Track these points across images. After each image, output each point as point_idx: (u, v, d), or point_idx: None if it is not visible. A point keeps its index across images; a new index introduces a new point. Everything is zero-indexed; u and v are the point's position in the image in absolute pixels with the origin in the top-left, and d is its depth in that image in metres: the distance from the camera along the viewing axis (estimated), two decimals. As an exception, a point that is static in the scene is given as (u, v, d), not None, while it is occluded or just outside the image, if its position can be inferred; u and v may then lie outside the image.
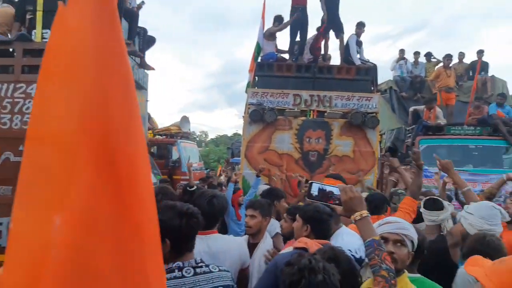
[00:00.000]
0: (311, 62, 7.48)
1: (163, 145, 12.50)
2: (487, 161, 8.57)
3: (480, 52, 11.06)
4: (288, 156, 6.83)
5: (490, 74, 11.18)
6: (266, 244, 2.82)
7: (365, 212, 1.66)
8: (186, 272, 1.80)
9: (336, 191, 1.77)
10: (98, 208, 0.69)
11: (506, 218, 2.68)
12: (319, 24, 7.82)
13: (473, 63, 11.06)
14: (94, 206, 0.69)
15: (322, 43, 7.82)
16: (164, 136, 12.87)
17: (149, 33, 5.77)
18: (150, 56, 5.62)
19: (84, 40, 0.72)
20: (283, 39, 8.10)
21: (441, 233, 2.94)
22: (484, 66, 11.08)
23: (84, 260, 0.68)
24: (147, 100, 6.12)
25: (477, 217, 2.51)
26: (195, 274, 1.81)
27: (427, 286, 2.06)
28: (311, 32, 7.79)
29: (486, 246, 2.17)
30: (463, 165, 8.26)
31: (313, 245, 2.24)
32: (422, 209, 3.06)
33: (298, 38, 7.65)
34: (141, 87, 5.71)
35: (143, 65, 5.68)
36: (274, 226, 3.39)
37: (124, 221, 0.71)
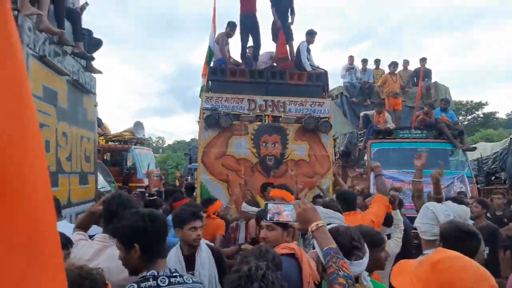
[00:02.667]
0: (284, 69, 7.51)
1: (116, 151, 12.17)
2: (435, 163, 8.99)
3: (423, 60, 11.69)
4: (246, 161, 6.82)
5: (432, 80, 11.84)
6: (203, 254, 2.78)
7: (320, 222, 1.67)
8: (161, 281, 1.75)
9: (289, 208, 1.82)
10: None
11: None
12: (268, 29, 7.93)
13: (417, 70, 11.67)
14: None
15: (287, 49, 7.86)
16: (118, 143, 12.48)
17: (94, 35, 5.55)
18: (96, 59, 5.40)
19: None
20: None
21: None
22: (427, 73, 11.73)
23: None
24: (95, 105, 5.88)
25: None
26: (170, 284, 1.76)
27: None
28: (264, 37, 7.89)
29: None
30: (412, 167, 8.61)
31: (300, 249, 2.22)
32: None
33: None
34: (88, 91, 5.48)
35: (90, 69, 5.45)
36: None
37: (7, 238, 0.63)
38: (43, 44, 4.08)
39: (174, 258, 2.70)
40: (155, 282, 1.73)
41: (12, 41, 0.67)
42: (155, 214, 1.87)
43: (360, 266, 1.70)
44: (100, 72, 5.74)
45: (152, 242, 1.81)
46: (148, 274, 1.75)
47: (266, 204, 1.87)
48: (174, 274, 1.81)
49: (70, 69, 4.82)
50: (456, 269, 1.20)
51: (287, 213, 1.81)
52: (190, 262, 2.71)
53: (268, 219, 1.84)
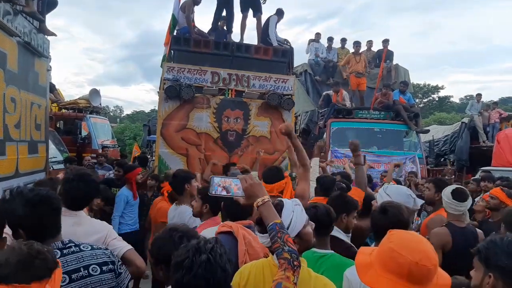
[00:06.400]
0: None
1: (70, 120, 11.69)
2: (390, 143, 9.41)
3: (386, 41, 11.92)
4: (207, 135, 6.74)
5: (394, 62, 12.14)
6: None
7: (266, 197, 1.66)
8: None
9: (236, 182, 1.76)
10: None
11: (417, 206, 2.84)
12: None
13: (379, 52, 11.89)
14: None
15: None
16: (72, 111, 11.92)
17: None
18: (50, 20, 5.00)
19: None
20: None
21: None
22: (389, 55, 11.99)
23: None
24: (48, 69, 5.52)
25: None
26: (62, 255, 1.72)
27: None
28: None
29: None
30: (369, 146, 8.95)
31: (238, 227, 2.23)
32: (449, 200, 2.97)
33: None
34: (41, 54, 5.11)
35: (43, 30, 5.06)
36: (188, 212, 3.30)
37: None
38: (-10, 1, 3.73)
39: None
40: None
41: None
42: (40, 197, 1.71)
43: (264, 238, 1.69)
44: (54, 34, 5.35)
45: (39, 227, 1.70)
46: None
47: (212, 178, 1.81)
48: (68, 245, 1.77)
49: (22, 30, 4.45)
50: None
51: (234, 188, 1.76)
52: None
53: (213, 192, 1.78)
